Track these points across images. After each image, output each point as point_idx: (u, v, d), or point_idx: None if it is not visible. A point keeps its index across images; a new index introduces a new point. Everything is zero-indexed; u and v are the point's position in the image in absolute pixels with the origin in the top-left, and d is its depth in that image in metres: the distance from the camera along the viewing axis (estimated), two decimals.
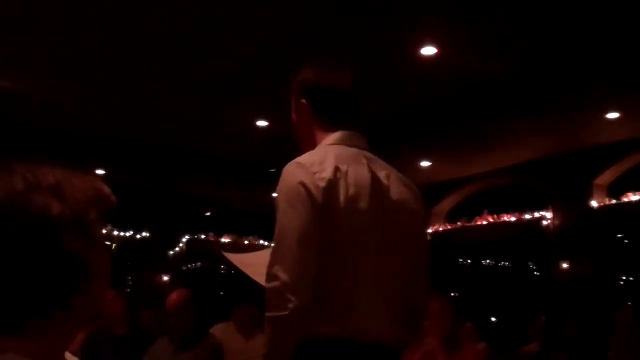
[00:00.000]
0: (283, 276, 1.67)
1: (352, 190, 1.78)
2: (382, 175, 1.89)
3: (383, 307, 1.81)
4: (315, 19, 5.53)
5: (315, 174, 1.76)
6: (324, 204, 1.73)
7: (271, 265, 1.72)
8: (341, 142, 1.93)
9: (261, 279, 2.02)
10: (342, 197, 1.76)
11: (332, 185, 1.75)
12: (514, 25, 5.57)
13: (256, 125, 8.19)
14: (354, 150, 1.91)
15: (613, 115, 7.46)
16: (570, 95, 6.93)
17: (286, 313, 1.67)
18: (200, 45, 6.06)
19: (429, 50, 6.02)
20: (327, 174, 1.76)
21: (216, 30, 5.76)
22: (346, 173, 1.79)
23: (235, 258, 2.19)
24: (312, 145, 1.98)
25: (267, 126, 8.17)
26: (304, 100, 2.01)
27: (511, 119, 7.69)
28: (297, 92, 2.04)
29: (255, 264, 2.20)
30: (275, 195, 1.83)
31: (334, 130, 1.96)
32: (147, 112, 7.91)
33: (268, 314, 1.72)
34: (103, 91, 7.22)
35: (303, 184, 1.74)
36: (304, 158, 1.84)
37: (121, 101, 7.52)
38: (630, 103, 7.13)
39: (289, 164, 1.83)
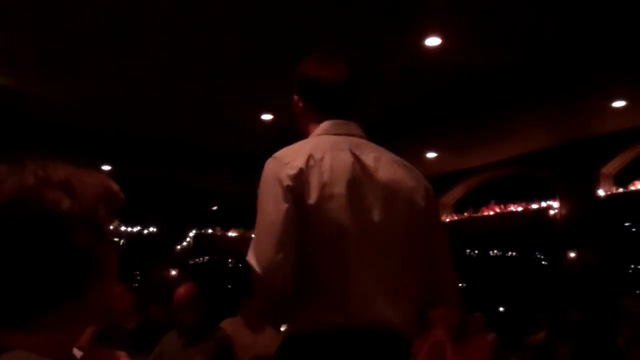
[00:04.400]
0: (256, 268, 1.70)
1: (325, 176, 1.77)
2: (368, 158, 1.87)
3: (380, 291, 1.77)
4: (319, 11, 5.52)
5: (286, 164, 1.77)
6: (295, 191, 1.74)
7: (247, 255, 1.74)
8: (326, 132, 1.94)
9: None
10: (314, 183, 1.76)
11: (303, 173, 1.76)
12: (519, 15, 5.55)
13: (261, 119, 8.19)
14: (337, 137, 1.91)
15: (619, 104, 7.43)
16: (576, 84, 6.90)
17: (262, 304, 1.76)
18: (204, 38, 6.06)
19: (433, 41, 6.00)
20: (298, 162, 1.77)
21: (220, 23, 5.75)
22: (320, 159, 1.79)
23: None
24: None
25: (272, 119, 8.17)
26: (296, 97, 2.05)
27: (517, 109, 7.66)
28: (293, 88, 2.08)
29: None
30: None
31: (324, 121, 1.99)
32: (153, 107, 7.92)
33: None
34: (108, 86, 7.23)
35: (274, 176, 1.77)
36: (281, 151, 1.86)
37: (126, 96, 7.53)
38: (636, 91, 7.09)
39: (269, 158, 1.85)
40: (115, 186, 1.01)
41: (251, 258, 1.72)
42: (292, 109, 2.10)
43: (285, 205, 1.72)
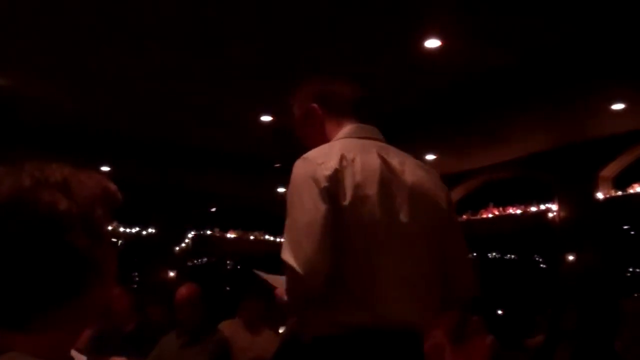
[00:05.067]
0: (296, 268, 1.70)
1: (358, 177, 1.79)
2: (394, 161, 1.91)
3: (406, 292, 1.80)
4: (319, 13, 5.52)
5: (320, 164, 1.79)
6: (331, 191, 1.76)
7: (282, 254, 1.74)
8: (349, 135, 1.99)
9: None
10: (348, 184, 1.78)
11: (338, 173, 1.78)
12: (518, 17, 5.55)
13: (260, 120, 8.19)
14: (363, 140, 1.96)
15: (618, 106, 7.43)
16: (575, 87, 6.90)
17: (294, 303, 1.78)
18: (205, 41, 6.06)
19: (432, 43, 6.00)
20: (333, 163, 1.79)
21: (220, 25, 5.75)
22: (352, 160, 1.82)
23: (269, 278, 2.19)
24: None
25: (271, 121, 8.17)
26: (315, 105, 2.08)
27: (516, 111, 7.67)
28: (304, 99, 2.12)
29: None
30: (285, 191, 1.86)
31: (346, 125, 2.04)
32: (152, 108, 7.91)
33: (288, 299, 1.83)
34: (109, 86, 7.22)
35: (309, 176, 1.78)
36: (310, 152, 1.88)
37: (126, 96, 7.52)
38: (635, 93, 7.10)
39: (297, 160, 1.87)
40: (113, 187, 1.01)
41: (289, 257, 1.71)
42: (304, 120, 2.12)
43: (324, 206, 1.74)
